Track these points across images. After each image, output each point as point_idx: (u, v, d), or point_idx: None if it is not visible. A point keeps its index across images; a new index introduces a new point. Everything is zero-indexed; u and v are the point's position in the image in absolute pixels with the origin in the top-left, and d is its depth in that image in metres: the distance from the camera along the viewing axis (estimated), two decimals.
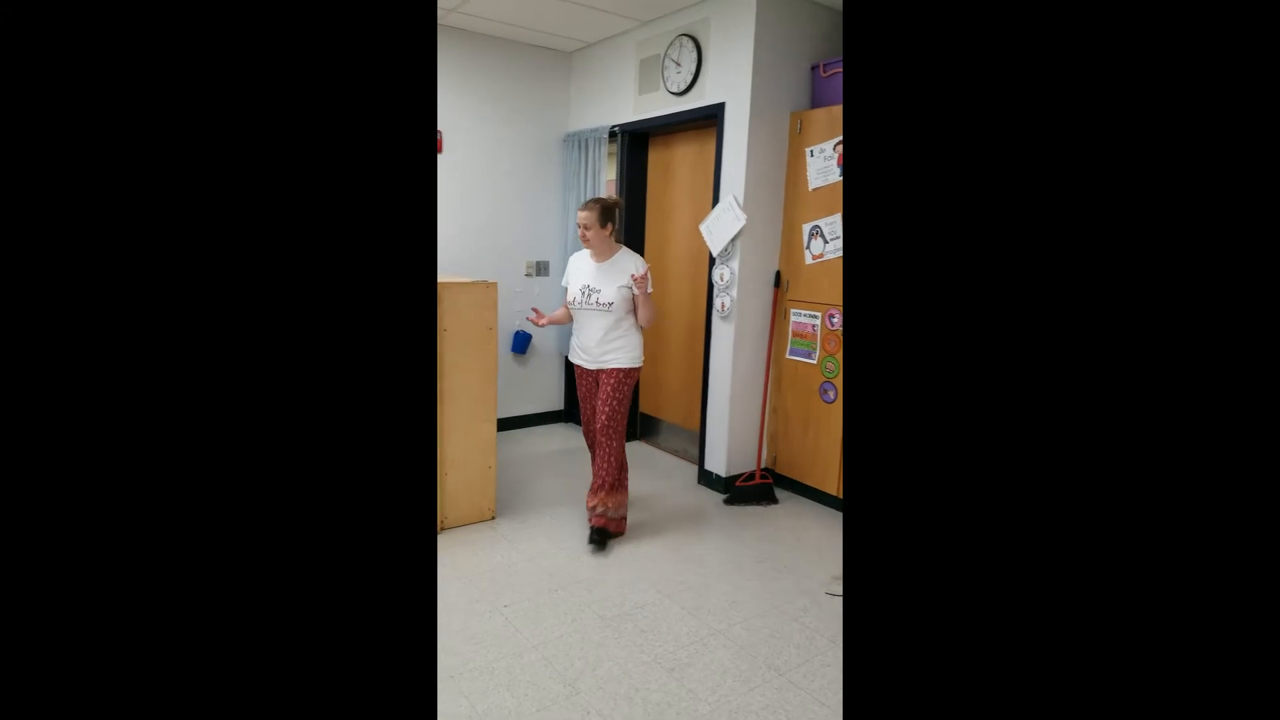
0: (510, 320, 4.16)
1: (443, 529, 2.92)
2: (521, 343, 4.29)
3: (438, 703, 1.86)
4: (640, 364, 2.82)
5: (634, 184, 4.00)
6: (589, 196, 4.02)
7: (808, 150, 3.18)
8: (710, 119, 3.36)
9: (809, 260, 3.23)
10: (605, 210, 2.71)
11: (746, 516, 3.19)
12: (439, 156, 3.90)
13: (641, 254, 4.06)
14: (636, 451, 4.10)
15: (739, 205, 3.19)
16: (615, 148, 3.97)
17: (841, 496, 3.20)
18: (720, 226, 3.27)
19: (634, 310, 2.77)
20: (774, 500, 3.36)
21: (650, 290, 2.73)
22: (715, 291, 3.38)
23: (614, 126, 3.89)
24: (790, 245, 3.33)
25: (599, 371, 2.82)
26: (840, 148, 3.04)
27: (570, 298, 2.83)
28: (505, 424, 4.31)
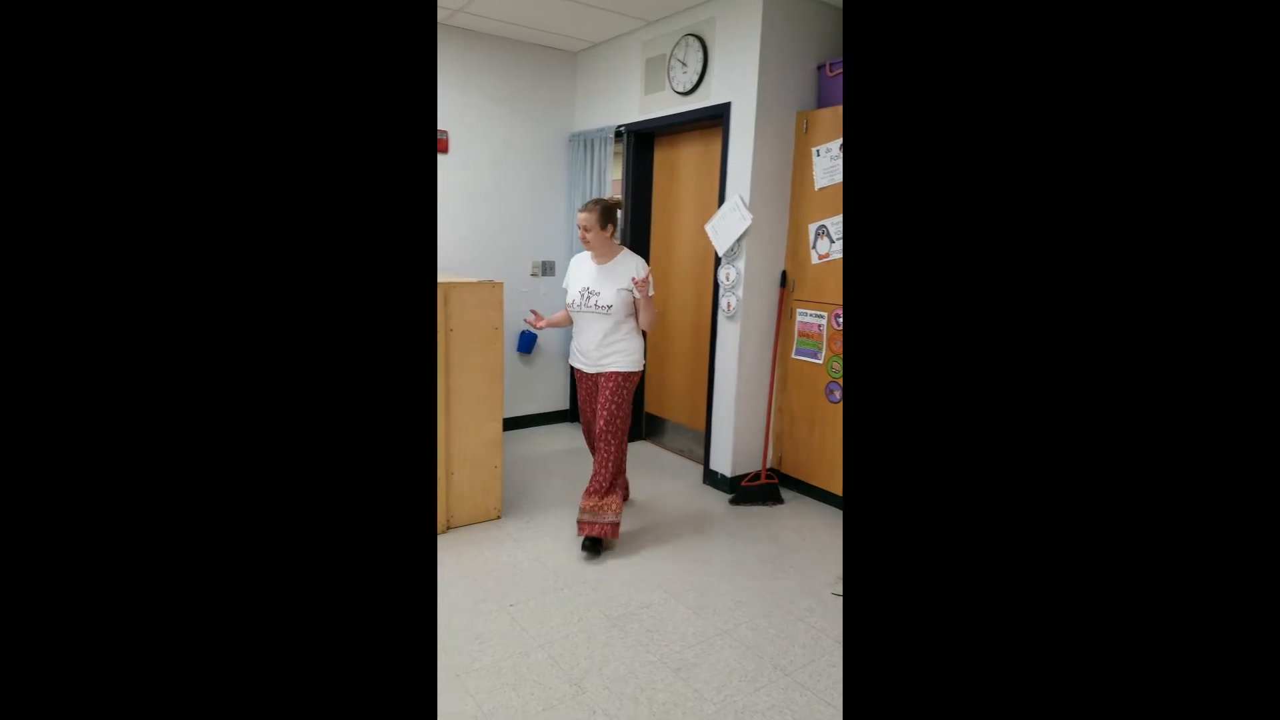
0: (516, 320, 4.16)
1: (449, 528, 2.92)
2: (527, 343, 4.29)
3: (445, 702, 1.86)
4: (640, 368, 2.78)
5: (639, 184, 4.01)
6: (594, 197, 4.02)
7: (814, 150, 3.18)
8: (716, 119, 3.36)
9: (815, 260, 3.23)
10: (605, 211, 2.67)
11: (752, 516, 3.19)
12: (444, 157, 3.91)
13: (647, 254, 4.07)
14: (642, 451, 4.10)
15: (745, 205, 3.18)
16: (621, 148, 3.97)
17: None
18: (726, 226, 3.27)
19: (634, 314, 2.73)
20: (779, 500, 3.35)
21: (652, 293, 2.68)
22: (721, 291, 3.38)
23: (620, 126, 3.89)
24: (796, 245, 3.32)
25: (598, 375, 2.78)
26: None
27: (569, 300, 2.80)
28: (511, 424, 4.32)
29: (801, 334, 3.33)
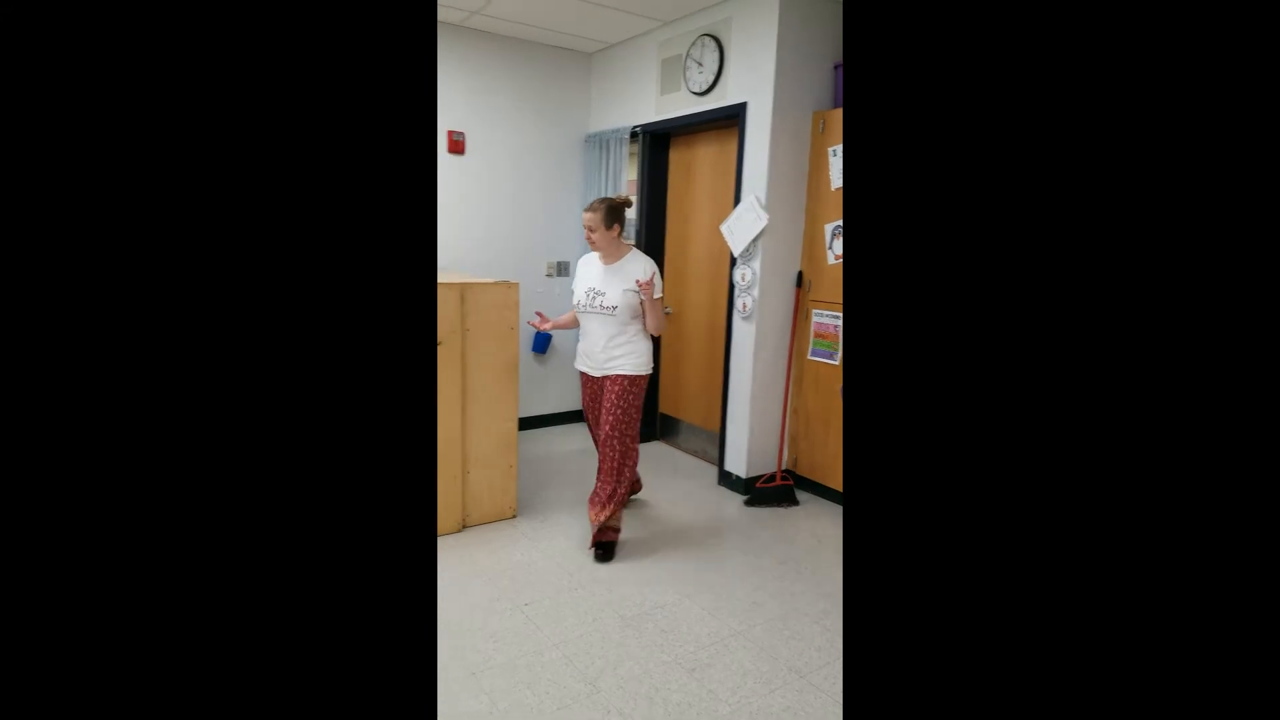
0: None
1: (464, 527, 2.94)
2: (542, 343, 4.31)
3: (460, 699, 1.87)
4: (648, 371, 2.71)
5: (655, 184, 4.01)
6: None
7: (830, 150, 3.16)
8: (732, 119, 3.36)
9: (831, 260, 3.21)
10: (611, 210, 2.60)
11: (767, 518, 3.18)
12: (461, 158, 3.93)
13: (662, 255, 4.07)
14: (656, 452, 4.10)
15: (761, 205, 3.18)
16: (636, 148, 3.97)
17: None
18: (742, 227, 3.26)
19: (642, 316, 2.66)
20: (795, 502, 3.34)
21: (660, 295, 2.60)
22: (736, 292, 3.37)
23: (635, 127, 3.89)
24: (812, 245, 3.31)
25: (604, 379, 2.72)
26: None
27: (575, 300, 2.75)
28: (526, 423, 4.34)
29: (817, 335, 3.31)
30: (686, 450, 4.11)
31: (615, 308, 2.62)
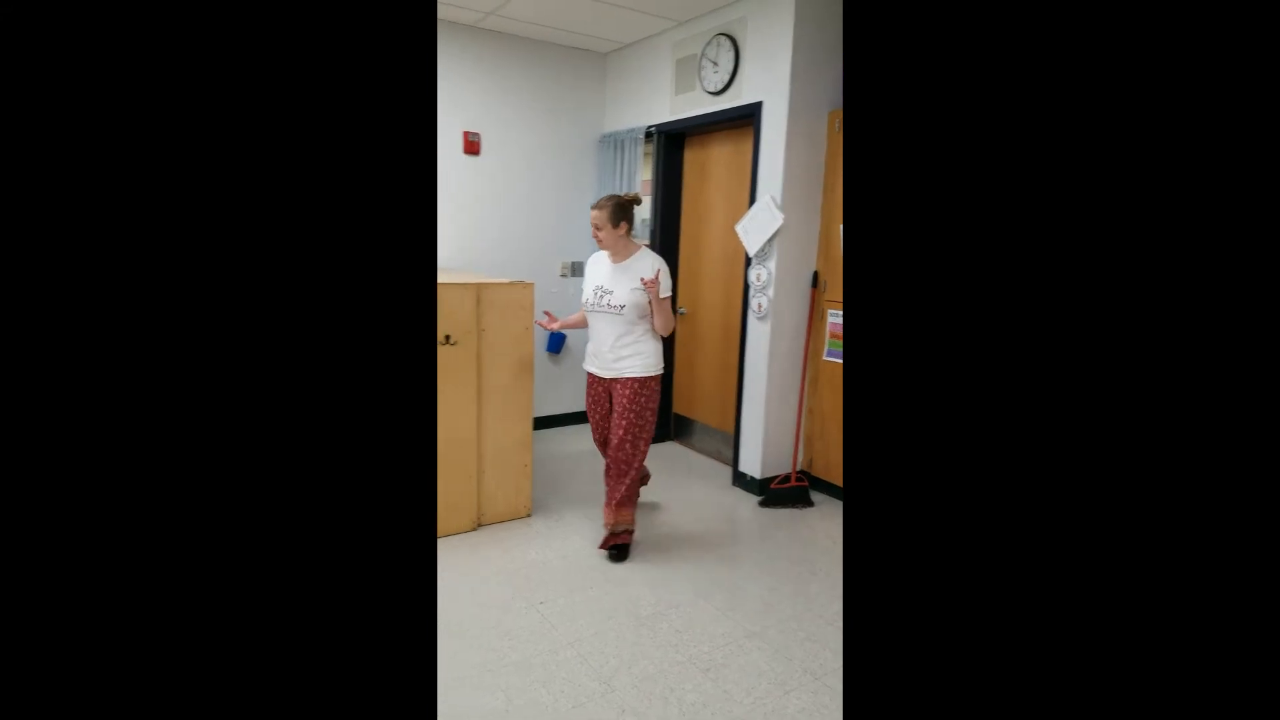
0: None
1: (479, 525, 2.96)
2: (556, 343, 4.32)
3: (476, 696, 1.88)
4: (658, 372, 2.64)
5: (669, 184, 4.01)
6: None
7: None
8: (747, 118, 3.35)
9: None
10: (617, 208, 2.56)
11: (781, 519, 3.17)
12: (476, 159, 3.95)
13: (676, 255, 4.07)
14: (669, 452, 4.10)
15: (776, 205, 3.17)
16: (651, 148, 3.98)
17: None
18: (757, 226, 3.25)
19: (650, 315, 2.60)
20: (809, 503, 3.32)
21: (667, 295, 2.54)
22: (751, 292, 3.36)
23: (650, 127, 3.90)
24: (828, 245, 3.29)
25: (613, 381, 2.66)
26: None
27: (584, 299, 2.71)
28: (541, 423, 4.35)
29: (833, 335, 3.30)
30: (700, 451, 4.10)
31: (623, 307, 2.57)
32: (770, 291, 3.26)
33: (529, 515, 3.08)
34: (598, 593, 2.46)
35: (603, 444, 2.85)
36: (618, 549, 2.71)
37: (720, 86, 3.41)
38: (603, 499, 3.21)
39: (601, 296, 2.62)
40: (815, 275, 3.35)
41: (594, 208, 2.58)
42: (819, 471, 3.46)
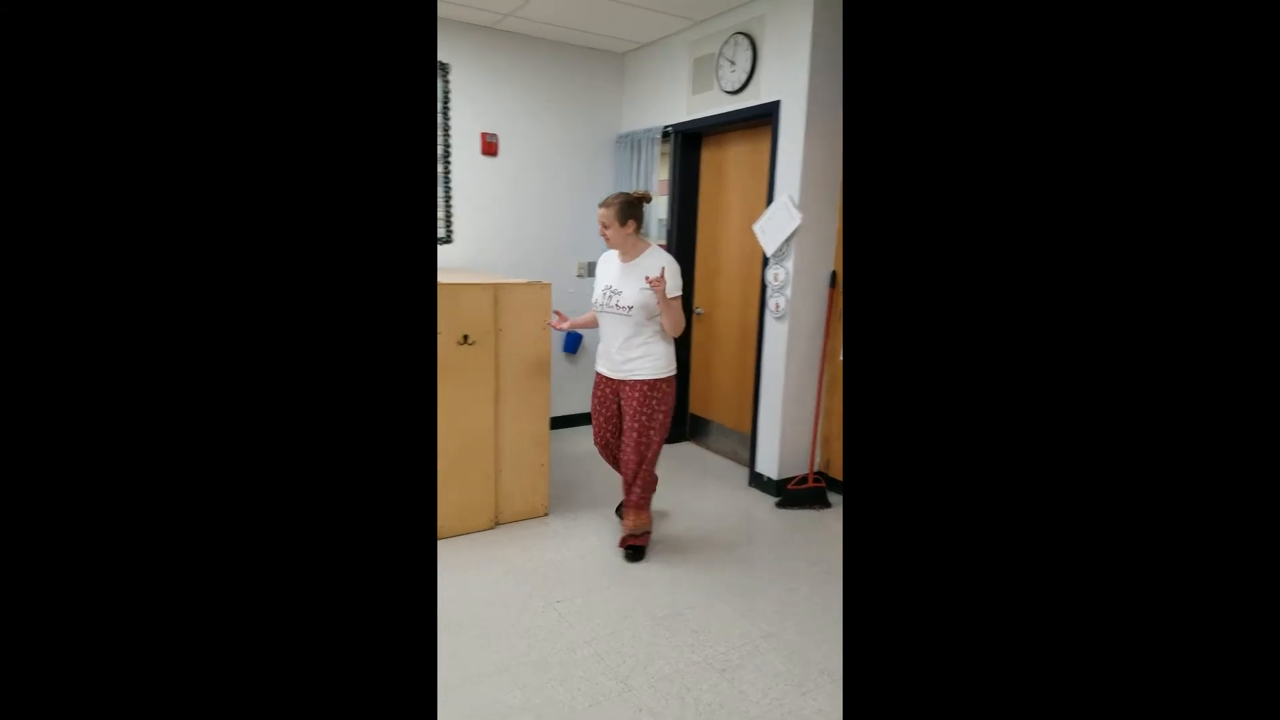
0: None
1: (497, 524, 2.97)
2: (573, 343, 4.33)
3: (495, 694, 1.90)
4: (669, 374, 2.58)
5: (686, 184, 4.00)
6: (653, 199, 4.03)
7: None
8: (765, 118, 3.34)
9: None
10: (624, 206, 2.50)
11: (799, 520, 3.15)
12: (494, 160, 3.97)
13: (693, 255, 4.07)
14: (685, 452, 4.09)
15: (794, 204, 3.15)
16: (668, 148, 3.97)
17: None
18: (775, 226, 3.24)
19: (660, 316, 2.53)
20: (827, 504, 3.31)
21: (676, 294, 2.45)
22: (769, 292, 3.35)
23: (667, 127, 3.89)
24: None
25: (621, 383, 2.60)
26: None
27: (593, 299, 2.67)
28: (557, 422, 4.37)
29: None
30: (717, 451, 4.09)
31: (631, 308, 2.51)
32: (788, 291, 3.24)
33: (546, 515, 3.09)
34: (614, 592, 2.46)
35: (603, 446, 2.80)
36: (634, 549, 2.72)
37: (738, 86, 3.40)
38: (619, 499, 3.21)
39: (610, 297, 2.57)
40: (833, 275, 3.33)
41: (601, 206, 2.54)
42: (836, 472, 3.44)
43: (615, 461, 2.81)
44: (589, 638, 2.18)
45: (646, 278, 2.42)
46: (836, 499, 3.38)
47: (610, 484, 3.47)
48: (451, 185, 3.89)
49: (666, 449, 4.07)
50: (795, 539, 2.95)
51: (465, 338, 2.76)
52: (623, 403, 2.62)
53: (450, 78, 3.77)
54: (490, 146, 3.95)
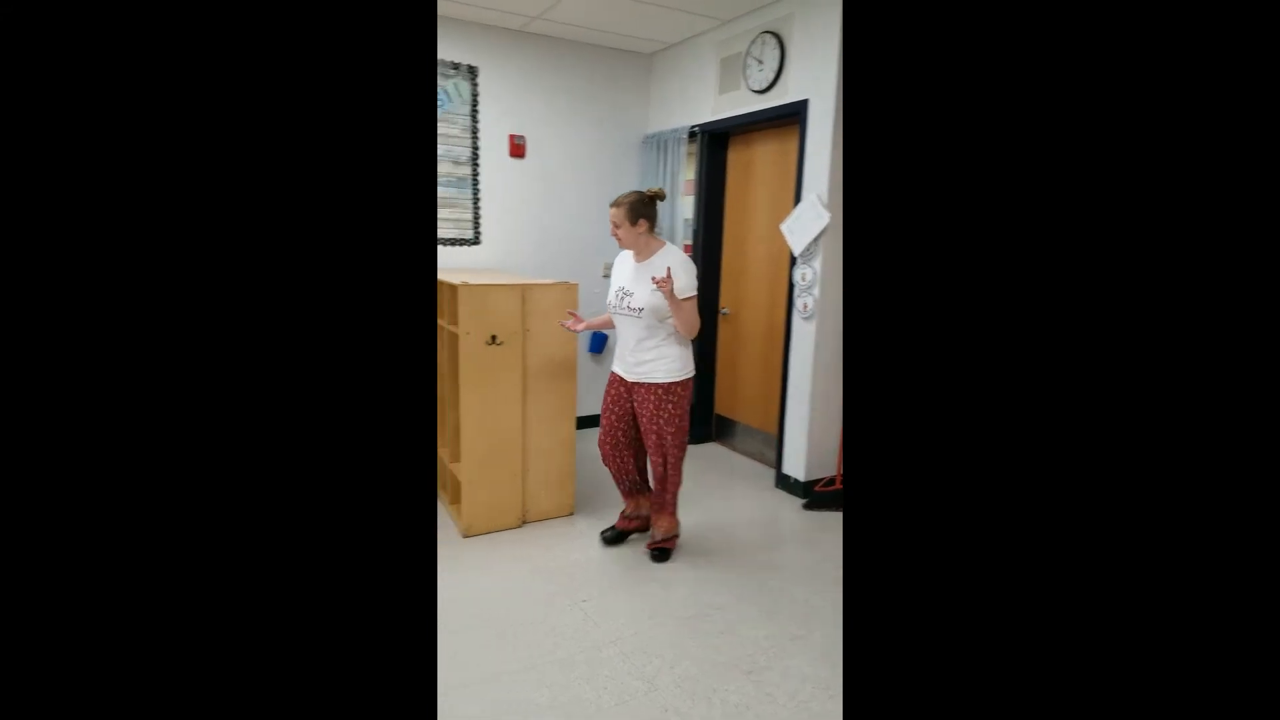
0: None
1: (524, 523, 3.00)
2: (599, 343, 4.35)
3: (521, 691, 1.91)
4: (684, 377, 2.50)
5: (713, 184, 3.99)
6: (670, 197, 4.03)
7: None
8: (793, 116, 3.31)
9: None
10: (634, 205, 2.42)
11: (826, 522, 3.13)
12: (521, 161, 4.01)
13: (719, 254, 4.06)
14: (711, 453, 4.08)
15: (823, 204, 3.12)
16: (695, 148, 3.97)
17: None
18: (803, 226, 3.22)
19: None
20: None
21: (689, 295, 2.36)
22: (797, 292, 3.32)
23: (693, 127, 3.89)
24: None
25: (635, 385, 2.54)
26: None
27: (607, 300, 2.61)
28: (584, 422, 4.38)
29: None
30: (742, 452, 4.08)
31: (641, 309, 2.44)
32: (816, 291, 3.22)
33: (572, 514, 3.11)
34: (640, 592, 2.47)
35: (611, 447, 2.69)
36: (660, 551, 2.72)
37: (765, 85, 3.38)
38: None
39: (622, 298, 2.51)
40: None
41: (612, 205, 2.47)
42: None
43: (618, 468, 2.73)
44: (614, 637, 2.19)
45: (653, 278, 2.34)
46: None
47: None
48: (480, 187, 3.93)
49: (692, 449, 4.06)
50: (823, 541, 2.92)
51: (493, 338, 2.79)
52: (636, 406, 2.57)
53: (479, 81, 3.81)
54: (518, 149, 3.98)
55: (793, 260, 3.33)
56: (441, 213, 3.85)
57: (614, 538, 2.83)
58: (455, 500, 3.09)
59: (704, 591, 2.48)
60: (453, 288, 2.84)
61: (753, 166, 3.82)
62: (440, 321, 3.09)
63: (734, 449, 4.15)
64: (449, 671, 1.99)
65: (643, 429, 2.58)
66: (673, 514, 2.71)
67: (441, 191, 3.83)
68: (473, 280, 2.89)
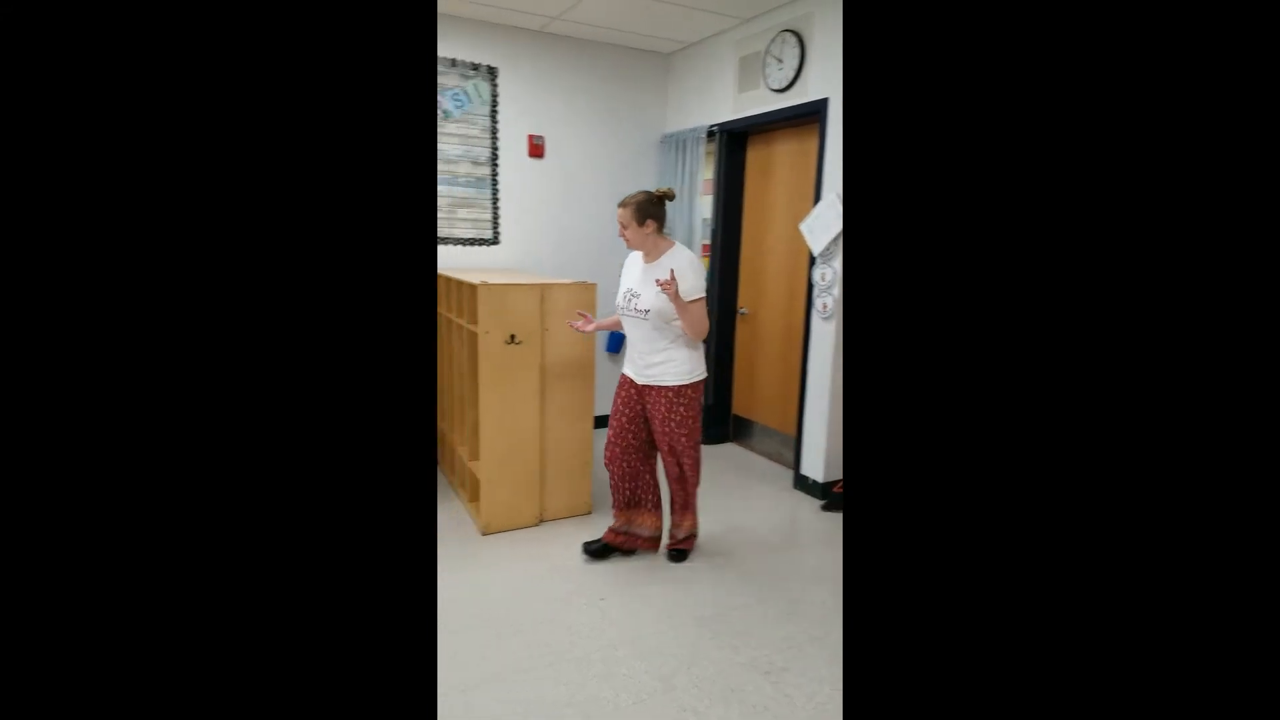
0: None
1: (541, 521, 3.01)
2: (616, 342, 4.35)
3: (538, 688, 1.92)
4: (694, 379, 2.46)
5: (731, 183, 3.98)
6: (688, 196, 4.03)
7: None
8: (812, 115, 3.29)
9: None
10: (642, 206, 2.36)
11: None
12: (540, 161, 4.02)
13: (738, 254, 4.04)
14: (729, 454, 4.07)
15: (842, 203, 3.10)
16: (713, 147, 3.96)
17: None
18: (822, 225, 3.19)
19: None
20: None
21: (695, 297, 2.31)
22: (816, 292, 3.30)
23: (712, 126, 3.88)
24: None
25: (646, 388, 2.49)
26: None
27: (616, 302, 2.56)
28: (602, 421, 4.39)
29: None
30: (760, 453, 4.06)
31: (648, 311, 2.39)
32: (835, 291, 3.20)
33: (589, 513, 3.12)
34: (657, 591, 2.47)
35: (621, 450, 2.59)
36: (678, 551, 2.71)
37: (785, 84, 3.37)
38: (664, 498, 3.22)
39: (629, 300, 2.46)
40: None
41: (620, 205, 2.41)
42: None
43: (623, 473, 2.62)
44: (631, 636, 2.19)
45: (657, 280, 2.29)
46: None
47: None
48: (499, 188, 3.95)
49: (710, 450, 4.06)
50: (840, 542, 2.90)
51: (512, 337, 2.80)
52: (648, 409, 2.53)
53: (498, 81, 3.83)
54: (537, 149, 4.00)
55: (812, 260, 3.31)
56: (461, 213, 3.87)
57: (598, 551, 2.68)
58: (474, 498, 3.11)
59: (722, 592, 2.47)
60: (472, 287, 2.86)
61: (771, 166, 3.81)
62: (459, 320, 3.11)
63: (752, 449, 4.13)
64: (466, 668, 2.00)
65: (655, 433, 2.55)
66: (693, 513, 2.69)
67: (461, 192, 3.85)
68: (492, 280, 2.91)
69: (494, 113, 3.85)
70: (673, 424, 2.49)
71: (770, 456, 3.98)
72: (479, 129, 3.83)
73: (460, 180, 3.83)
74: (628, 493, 2.65)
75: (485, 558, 2.70)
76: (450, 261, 3.87)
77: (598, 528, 2.98)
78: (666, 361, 2.44)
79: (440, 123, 3.73)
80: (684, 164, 4.06)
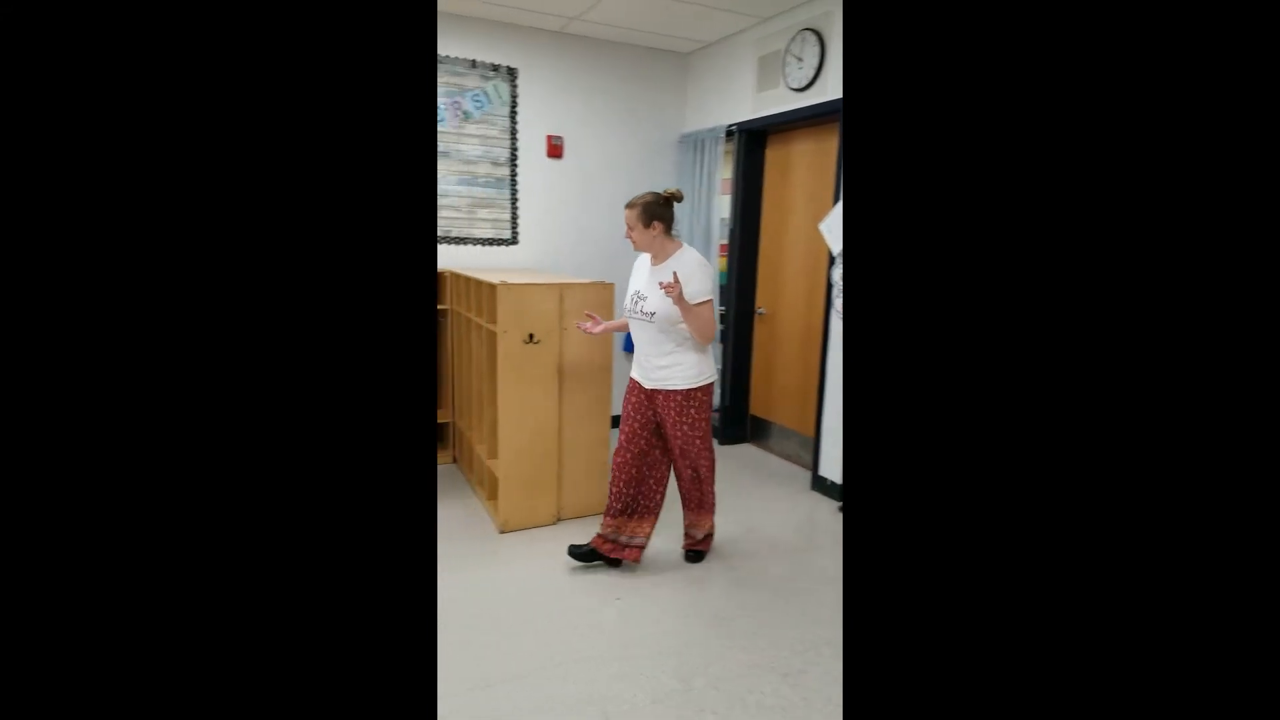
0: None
1: (559, 520, 3.02)
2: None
3: (555, 687, 1.93)
4: (704, 382, 2.42)
5: (750, 183, 3.97)
6: (706, 196, 4.03)
7: None
8: (833, 115, 3.28)
9: None
10: (649, 207, 2.32)
11: None
12: (559, 162, 4.04)
13: (756, 254, 4.03)
14: (746, 455, 4.06)
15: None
16: (732, 147, 3.95)
17: None
18: (842, 225, 3.18)
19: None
20: None
21: (701, 299, 2.26)
22: (835, 292, 3.28)
23: (731, 126, 3.87)
24: None
25: (655, 392, 2.46)
26: None
27: (624, 304, 2.54)
28: (617, 421, 4.40)
29: None
30: (778, 454, 4.04)
31: (653, 314, 2.35)
32: None
33: None
34: (674, 590, 2.47)
35: (634, 455, 2.54)
36: (695, 553, 2.71)
37: (804, 83, 3.35)
38: (678, 500, 3.22)
39: (636, 302, 2.42)
40: None
41: (626, 207, 2.37)
42: None
43: (629, 478, 2.56)
44: (649, 635, 2.19)
45: (660, 282, 2.25)
46: None
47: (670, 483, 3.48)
48: (518, 188, 3.97)
49: (727, 450, 4.05)
50: None
51: (531, 337, 2.82)
52: (659, 413, 2.49)
53: (518, 82, 3.85)
54: (555, 149, 4.01)
55: (831, 260, 3.29)
56: (480, 213, 3.90)
57: (585, 554, 2.60)
58: (492, 496, 3.13)
59: (738, 592, 2.47)
60: (491, 287, 2.88)
61: (791, 165, 3.79)
62: (479, 320, 3.13)
63: (769, 450, 4.12)
64: (484, 666, 2.01)
65: (667, 438, 2.51)
66: (710, 513, 2.69)
67: (480, 192, 3.88)
68: (511, 280, 2.93)
69: (513, 113, 3.87)
70: (685, 427, 2.46)
71: (788, 457, 3.96)
72: (498, 129, 3.86)
73: (480, 181, 3.86)
74: (627, 500, 2.59)
75: (503, 555, 2.72)
76: (469, 261, 3.90)
77: None
78: (674, 365, 2.41)
79: (460, 124, 3.76)
80: (702, 164, 4.05)
